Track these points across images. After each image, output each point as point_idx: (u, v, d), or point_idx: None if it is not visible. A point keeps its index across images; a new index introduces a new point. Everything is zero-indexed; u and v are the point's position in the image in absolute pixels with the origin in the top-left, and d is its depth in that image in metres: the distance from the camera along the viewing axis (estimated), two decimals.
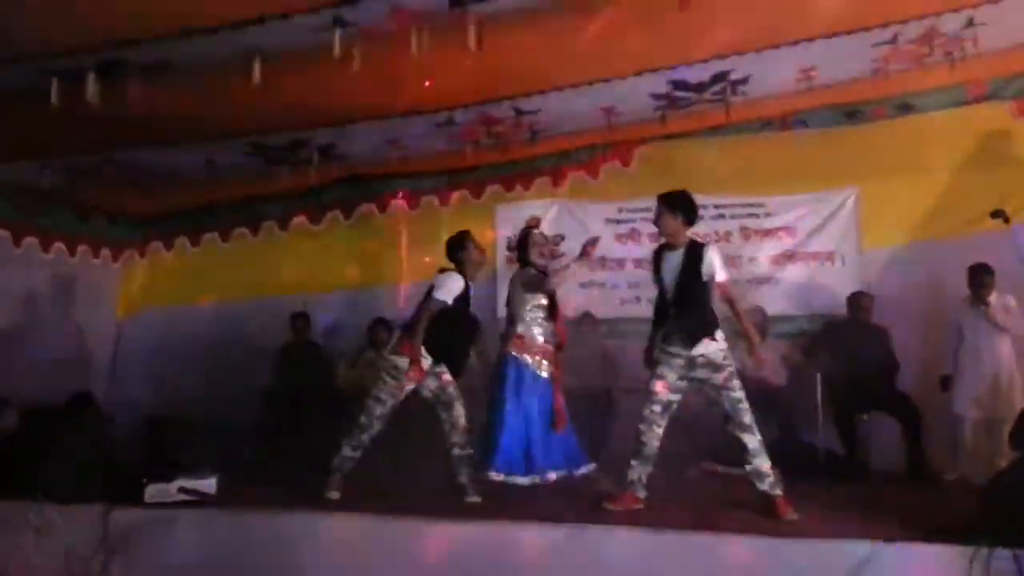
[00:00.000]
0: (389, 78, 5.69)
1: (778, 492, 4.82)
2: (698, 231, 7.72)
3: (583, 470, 5.41)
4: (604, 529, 4.26)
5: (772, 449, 5.81)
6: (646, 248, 7.69)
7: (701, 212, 7.76)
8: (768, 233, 7.89)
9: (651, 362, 5.16)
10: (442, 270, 5.54)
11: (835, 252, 7.73)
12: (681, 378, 4.99)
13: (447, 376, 5.48)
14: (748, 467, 4.88)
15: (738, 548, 3.94)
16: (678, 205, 5.17)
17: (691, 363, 4.97)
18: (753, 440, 4.88)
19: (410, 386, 5.40)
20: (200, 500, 4.97)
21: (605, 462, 5.63)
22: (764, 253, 7.87)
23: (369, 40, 5.02)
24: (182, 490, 4.97)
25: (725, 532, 4.18)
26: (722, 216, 7.96)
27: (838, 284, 7.52)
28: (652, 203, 5.32)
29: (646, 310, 5.56)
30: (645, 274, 7.49)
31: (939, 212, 7.27)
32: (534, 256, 5.60)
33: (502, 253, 8.27)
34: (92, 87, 5.32)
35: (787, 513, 4.70)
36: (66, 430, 5.34)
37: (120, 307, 9.58)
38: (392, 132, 6.98)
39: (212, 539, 4.59)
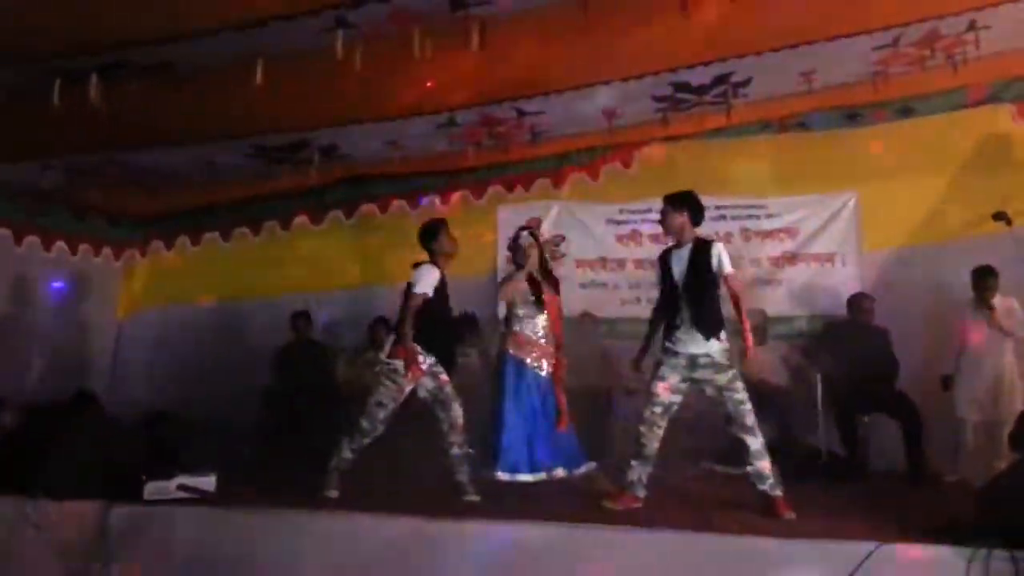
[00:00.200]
0: (391, 79, 5.71)
1: (778, 493, 4.83)
2: (699, 232, 7.84)
3: (582, 469, 5.42)
4: (603, 529, 4.26)
5: (772, 450, 5.82)
6: (646, 249, 7.72)
7: None
8: (769, 235, 7.91)
9: (638, 363, 5.27)
10: (416, 264, 5.53)
11: (836, 254, 7.75)
12: (683, 379, 5.00)
13: (444, 376, 5.48)
14: (749, 468, 4.89)
15: (738, 548, 3.94)
16: (684, 204, 5.21)
17: (693, 363, 4.97)
18: (755, 442, 4.89)
19: (409, 387, 5.41)
20: (199, 498, 4.98)
21: (604, 462, 5.64)
22: (765, 254, 7.89)
23: (371, 41, 5.03)
24: (181, 488, 4.97)
25: (724, 532, 4.19)
26: (723, 217, 7.96)
27: (839, 286, 7.54)
28: (653, 204, 5.36)
29: (646, 311, 5.58)
30: (646, 275, 7.54)
31: (940, 214, 7.29)
32: (519, 259, 5.59)
33: (503, 253, 8.27)
34: (94, 88, 5.34)
35: (786, 513, 4.72)
36: (67, 428, 5.33)
37: (121, 306, 9.60)
38: (393, 133, 6.99)
39: (211, 537, 4.58)
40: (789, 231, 7.87)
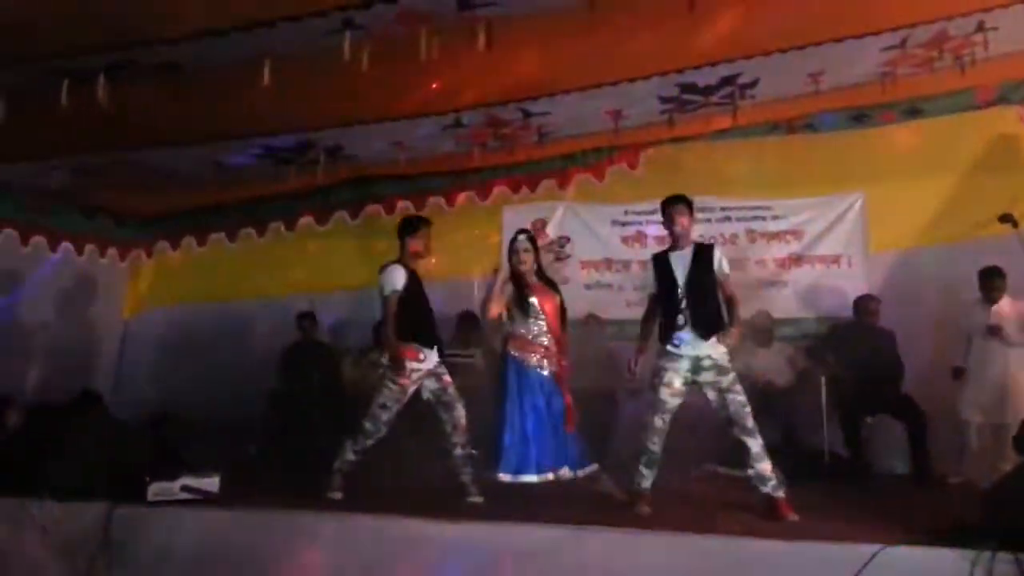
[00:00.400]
0: (397, 80, 5.70)
1: (780, 494, 4.83)
2: (704, 233, 7.86)
3: (587, 470, 5.40)
4: (607, 531, 4.25)
5: (776, 451, 5.81)
6: (652, 250, 7.68)
7: (708, 215, 7.93)
8: (775, 236, 7.90)
9: (635, 365, 5.27)
10: (382, 268, 5.54)
11: (842, 255, 7.74)
12: (685, 382, 5.00)
13: (447, 377, 5.50)
14: (751, 471, 4.88)
15: (741, 550, 3.93)
16: (690, 206, 5.25)
17: (696, 366, 4.98)
18: (756, 444, 4.88)
19: (412, 388, 5.41)
20: (203, 499, 4.98)
21: (608, 463, 5.62)
22: (771, 256, 7.88)
23: (377, 42, 5.03)
24: (185, 488, 4.97)
25: (728, 534, 4.18)
26: (728, 219, 7.97)
27: (845, 287, 7.52)
28: (659, 206, 5.31)
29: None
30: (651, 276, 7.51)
31: (947, 216, 7.27)
32: (514, 262, 5.58)
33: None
34: (102, 88, 5.35)
35: (789, 515, 4.71)
36: (71, 428, 5.34)
37: (127, 306, 9.62)
38: (399, 134, 6.98)
39: (215, 538, 4.59)
40: (795, 232, 7.86)
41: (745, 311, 7.31)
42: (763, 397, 6.76)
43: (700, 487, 5.89)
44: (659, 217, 5.38)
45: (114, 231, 9.26)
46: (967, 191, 7.20)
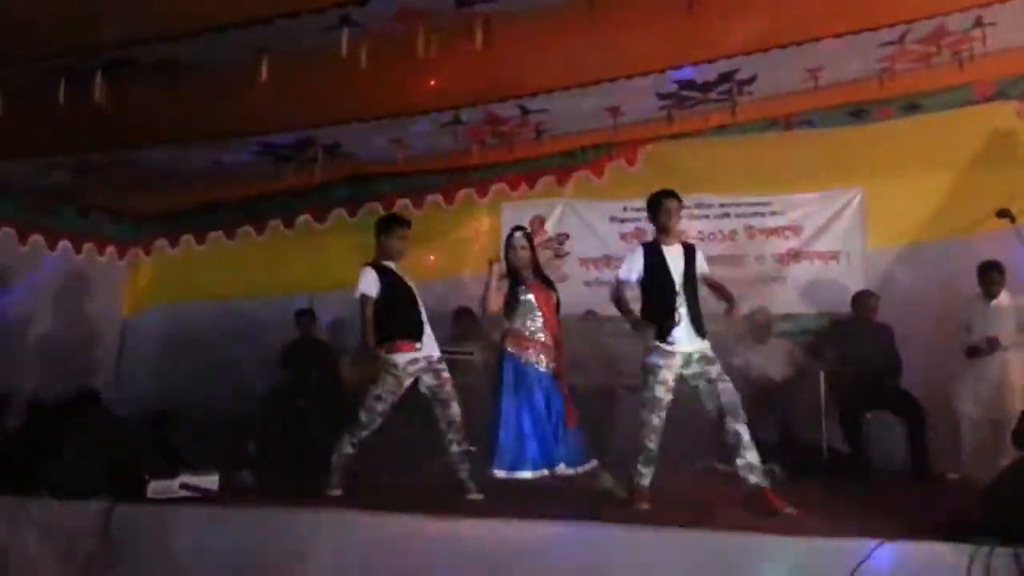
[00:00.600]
0: (395, 77, 5.70)
1: (766, 483, 4.84)
2: (703, 230, 7.87)
3: (586, 467, 5.41)
4: (605, 527, 4.25)
5: (776, 447, 5.82)
6: None
7: (706, 211, 7.92)
8: (773, 232, 7.91)
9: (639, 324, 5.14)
10: (363, 266, 5.57)
11: (840, 251, 7.75)
12: (675, 378, 4.99)
13: (446, 374, 5.51)
14: (740, 461, 4.85)
15: (739, 545, 3.93)
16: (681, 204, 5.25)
17: (687, 360, 4.98)
18: (747, 432, 4.88)
19: (408, 380, 5.42)
20: (203, 496, 4.98)
21: (607, 460, 5.62)
22: (769, 252, 7.89)
23: (375, 39, 5.03)
24: (184, 486, 4.97)
25: (726, 530, 4.18)
26: (727, 215, 7.98)
27: (843, 283, 7.52)
28: None
29: None
30: None
31: (945, 212, 7.27)
32: (511, 258, 5.58)
33: None
34: (98, 86, 5.34)
35: (779, 505, 4.68)
36: (70, 427, 5.34)
37: (125, 305, 9.61)
38: (398, 131, 6.99)
39: (214, 535, 4.59)
40: (794, 228, 7.86)
41: (744, 307, 7.36)
42: (762, 393, 6.79)
43: (698, 484, 5.89)
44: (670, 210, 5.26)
45: (112, 229, 9.27)
46: (965, 186, 7.20)
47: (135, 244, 9.58)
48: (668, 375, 4.97)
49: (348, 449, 5.44)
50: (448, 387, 5.47)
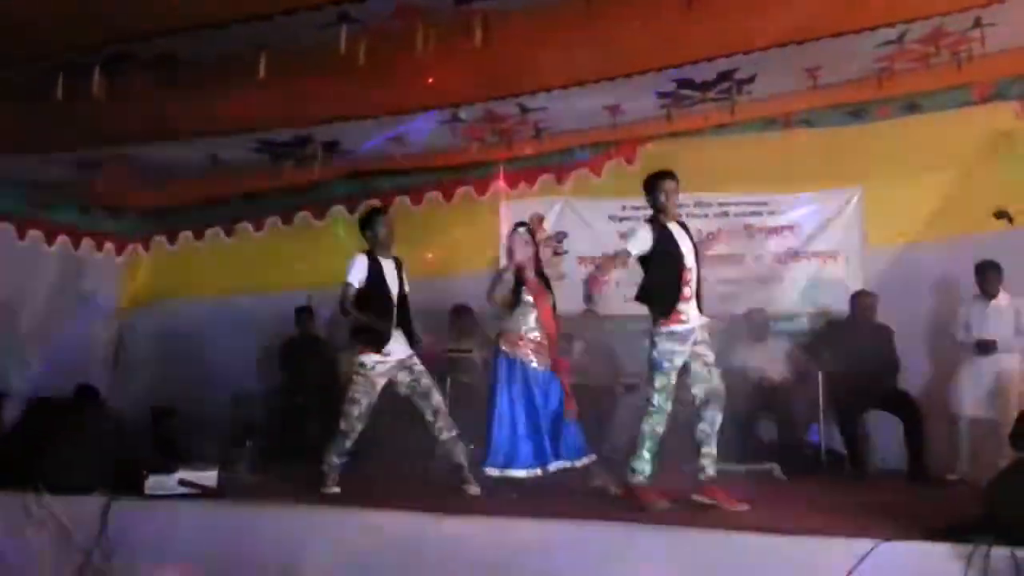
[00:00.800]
0: (394, 75, 5.69)
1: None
2: (702, 229, 7.84)
3: (584, 460, 5.40)
4: (603, 525, 4.26)
5: (773, 447, 5.81)
6: None
7: (705, 210, 7.92)
8: (772, 231, 7.91)
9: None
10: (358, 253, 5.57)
11: (839, 251, 7.75)
12: (680, 359, 4.93)
13: (419, 367, 5.52)
14: (707, 450, 4.86)
15: (737, 545, 3.94)
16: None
17: (692, 340, 4.92)
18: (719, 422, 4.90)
19: (381, 380, 5.42)
20: (201, 493, 4.98)
21: (606, 458, 5.63)
22: (768, 251, 7.88)
23: (374, 36, 5.02)
24: (183, 482, 4.97)
25: (724, 528, 4.18)
26: (726, 214, 7.98)
27: (842, 283, 7.53)
28: None
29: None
30: None
31: (943, 212, 7.27)
32: (517, 256, 5.56)
33: (506, 250, 8.27)
34: (98, 82, 5.34)
35: (732, 501, 4.71)
36: (69, 423, 5.34)
37: (124, 300, 9.59)
38: (396, 128, 6.98)
39: (213, 531, 4.59)
40: (792, 228, 7.87)
41: (741, 307, 7.39)
42: (760, 393, 6.80)
43: (697, 481, 5.89)
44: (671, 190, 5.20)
45: (111, 225, 9.25)
46: (964, 187, 7.19)
47: (133, 240, 9.56)
48: (679, 359, 4.90)
49: (335, 459, 5.44)
50: (425, 379, 5.49)
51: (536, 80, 6.17)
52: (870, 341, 6.76)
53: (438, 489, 5.37)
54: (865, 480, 6.30)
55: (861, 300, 6.98)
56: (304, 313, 8.31)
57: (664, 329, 4.89)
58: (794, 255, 7.84)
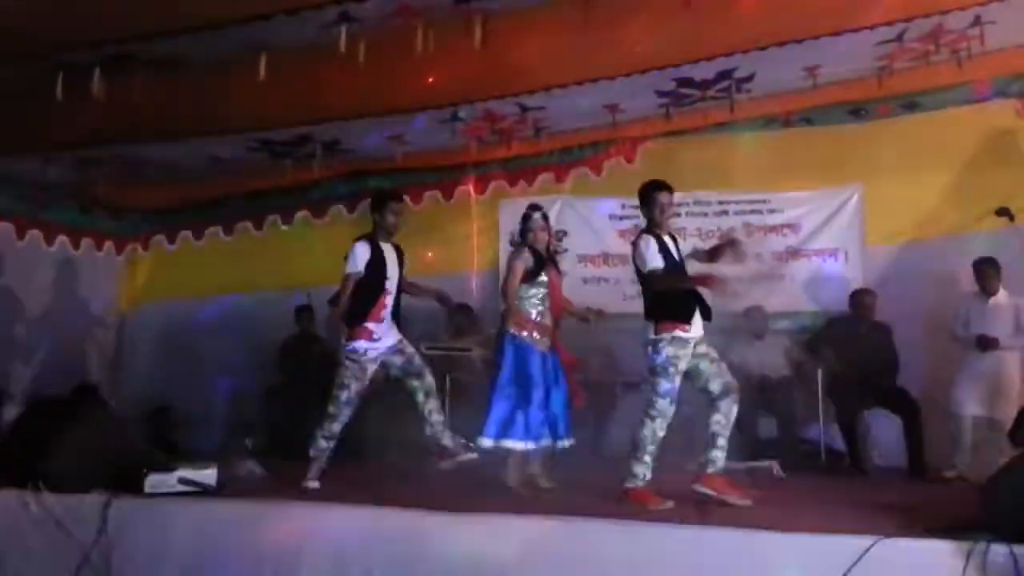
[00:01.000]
0: (393, 74, 5.70)
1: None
2: (701, 227, 7.86)
3: (565, 443, 5.41)
4: (601, 522, 4.25)
5: (773, 444, 5.80)
6: None
7: (704, 208, 7.92)
8: (772, 229, 7.91)
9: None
10: (358, 239, 5.55)
11: (839, 249, 7.75)
12: (685, 366, 4.95)
13: (410, 349, 5.54)
14: (723, 442, 4.88)
15: (737, 542, 3.94)
16: None
17: (695, 345, 4.94)
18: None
19: (371, 367, 5.42)
20: (200, 491, 4.98)
21: (605, 457, 5.63)
22: (768, 249, 7.88)
23: (374, 36, 5.03)
24: (182, 480, 4.96)
25: (723, 525, 4.18)
26: (725, 212, 7.98)
27: (841, 281, 7.53)
28: None
29: None
30: None
31: (943, 210, 7.28)
32: (532, 239, 5.54)
33: (505, 248, 8.27)
34: (97, 82, 5.34)
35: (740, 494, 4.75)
36: (68, 421, 5.34)
37: (123, 300, 9.60)
38: (396, 127, 6.99)
39: (212, 530, 4.59)
40: (792, 226, 7.86)
41: (740, 305, 7.38)
42: (760, 391, 6.80)
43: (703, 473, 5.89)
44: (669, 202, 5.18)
45: (111, 225, 9.25)
46: (964, 185, 7.20)
47: (133, 239, 9.57)
48: (684, 364, 4.91)
49: (322, 443, 5.45)
50: (416, 359, 5.51)
51: (535, 79, 6.17)
52: (869, 339, 6.77)
53: (437, 488, 5.36)
54: (865, 477, 6.30)
55: (861, 298, 6.98)
56: (304, 312, 8.31)
57: (668, 335, 4.90)
58: (794, 253, 7.83)
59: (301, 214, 9.01)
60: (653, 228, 5.11)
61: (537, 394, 5.30)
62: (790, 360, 7.16)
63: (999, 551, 3.46)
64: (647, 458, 4.89)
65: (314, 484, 5.39)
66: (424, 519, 4.39)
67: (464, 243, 8.44)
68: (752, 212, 7.95)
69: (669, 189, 5.14)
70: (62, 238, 8.70)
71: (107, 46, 5.23)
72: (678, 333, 4.90)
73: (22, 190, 8.04)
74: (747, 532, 4.00)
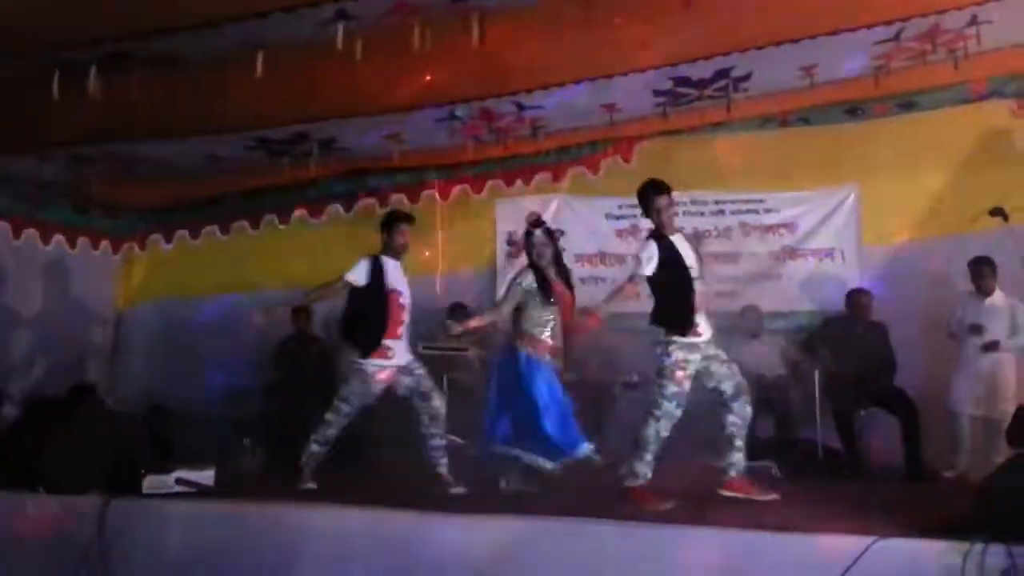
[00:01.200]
0: (391, 72, 5.69)
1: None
2: (698, 227, 7.86)
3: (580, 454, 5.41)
4: (599, 523, 4.25)
5: (770, 445, 5.79)
6: None
7: (701, 208, 7.92)
8: (768, 229, 7.92)
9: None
10: (366, 256, 5.59)
11: (835, 249, 7.76)
12: (694, 370, 4.94)
13: (420, 370, 5.53)
14: (740, 444, 4.92)
15: (735, 542, 3.94)
16: None
17: (701, 349, 4.94)
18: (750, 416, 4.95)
19: (378, 387, 5.43)
20: (198, 492, 4.98)
21: (604, 456, 5.62)
22: (764, 249, 7.89)
23: (371, 34, 5.02)
24: (180, 481, 4.96)
25: (722, 526, 4.18)
26: (722, 212, 7.99)
27: (838, 281, 7.53)
28: None
29: (647, 305, 5.47)
30: None
31: (939, 209, 7.30)
32: (536, 258, 5.53)
33: (502, 247, 8.30)
34: (94, 80, 5.33)
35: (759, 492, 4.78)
36: (65, 422, 5.33)
37: (120, 299, 9.58)
38: (393, 126, 6.98)
39: (210, 530, 4.58)
40: (788, 226, 7.88)
41: (737, 305, 7.39)
42: (756, 391, 6.79)
43: (694, 479, 5.89)
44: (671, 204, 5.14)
45: (107, 224, 9.23)
46: (960, 184, 7.22)
47: (129, 239, 9.54)
48: (691, 367, 4.89)
49: (315, 448, 5.48)
50: (426, 381, 5.50)
51: (533, 78, 6.18)
52: (866, 339, 6.77)
53: (434, 488, 5.36)
54: (862, 477, 6.30)
55: (857, 298, 6.98)
56: (301, 312, 8.28)
57: (671, 339, 4.89)
58: (790, 253, 7.85)
59: (298, 213, 8.97)
60: (659, 231, 5.07)
61: (545, 410, 5.28)
62: (787, 360, 7.17)
63: (996, 551, 3.46)
64: (649, 457, 4.88)
65: (311, 485, 5.39)
66: (421, 520, 4.39)
67: (461, 242, 8.43)
68: (749, 212, 7.96)
69: (667, 190, 5.09)
70: (58, 237, 8.67)
71: (104, 44, 5.21)
72: (690, 337, 4.89)
73: (18, 189, 8.02)
74: (745, 533, 4.01)
